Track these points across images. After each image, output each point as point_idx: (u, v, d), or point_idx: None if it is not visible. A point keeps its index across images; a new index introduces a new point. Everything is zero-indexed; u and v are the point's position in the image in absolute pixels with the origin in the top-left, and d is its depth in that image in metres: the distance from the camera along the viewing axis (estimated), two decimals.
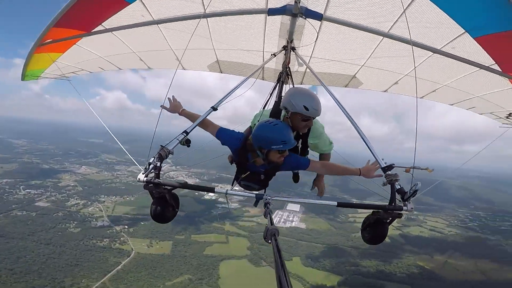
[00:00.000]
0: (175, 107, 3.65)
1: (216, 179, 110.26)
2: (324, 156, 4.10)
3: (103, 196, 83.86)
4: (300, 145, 3.69)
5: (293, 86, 4.78)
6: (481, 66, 3.79)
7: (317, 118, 3.51)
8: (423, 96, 6.19)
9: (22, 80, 5.44)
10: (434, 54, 3.89)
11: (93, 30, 4.18)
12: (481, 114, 6.23)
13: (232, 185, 3.61)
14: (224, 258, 60.97)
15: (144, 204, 72.14)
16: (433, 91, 5.69)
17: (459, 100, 5.84)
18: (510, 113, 5.54)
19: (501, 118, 5.89)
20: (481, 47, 3.38)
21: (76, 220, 67.83)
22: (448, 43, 3.55)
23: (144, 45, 5.41)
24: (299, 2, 3.24)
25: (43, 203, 73.97)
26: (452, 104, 6.28)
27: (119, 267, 53.43)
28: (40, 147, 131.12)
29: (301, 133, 3.58)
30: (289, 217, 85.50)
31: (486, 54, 3.49)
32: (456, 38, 3.36)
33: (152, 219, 2.95)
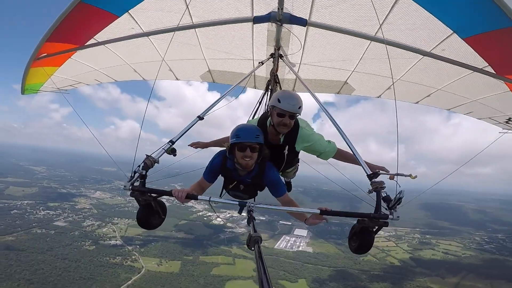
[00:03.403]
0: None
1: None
2: (339, 155, 3.60)
3: (116, 218, 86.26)
4: (286, 152, 3.51)
5: None
6: (474, 69, 3.63)
7: (306, 123, 3.57)
8: (418, 101, 6.01)
9: (22, 93, 5.35)
10: (425, 57, 3.77)
11: (85, 44, 4.23)
12: (479, 119, 5.98)
13: (220, 194, 3.57)
14: (230, 278, 61.51)
15: None
16: (428, 96, 5.52)
17: (455, 104, 5.62)
18: (510, 118, 5.28)
19: (500, 123, 5.63)
20: (471, 48, 3.23)
21: (91, 239, 70.40)
22: (437, 45, 3.43)
23: (137, 57, 5.39)
24: (282, 9, 3.15)
25: (61, 222, 77.15)
26: (449, 109, 6.08)
27: (130, 282, 55.08)
28: (58, 174, 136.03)
29: (280, 137, 3.47)
30: (296, 242, 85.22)
31: (478, 55, 3.33)
32: (444, 39, 3.26)
33: (138, 225, 3.00)
